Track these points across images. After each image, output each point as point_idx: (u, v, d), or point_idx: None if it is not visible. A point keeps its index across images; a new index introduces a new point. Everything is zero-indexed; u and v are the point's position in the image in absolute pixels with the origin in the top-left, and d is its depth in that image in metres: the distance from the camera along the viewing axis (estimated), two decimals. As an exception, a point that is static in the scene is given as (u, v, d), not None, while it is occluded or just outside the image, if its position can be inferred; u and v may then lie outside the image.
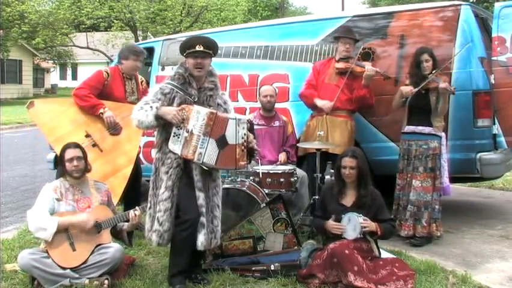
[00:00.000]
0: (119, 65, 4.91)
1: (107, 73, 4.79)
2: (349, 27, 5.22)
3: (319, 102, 4.96)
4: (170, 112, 3.46)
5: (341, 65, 4.97)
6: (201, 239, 3.49)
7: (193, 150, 3.41)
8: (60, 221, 3.59)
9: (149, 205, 3.65)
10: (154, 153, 3.73)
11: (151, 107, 3.48)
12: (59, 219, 3.60)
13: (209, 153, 3.44)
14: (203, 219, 3.51)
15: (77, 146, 3.89)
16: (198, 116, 3.42)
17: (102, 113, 4.63)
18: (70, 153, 3.80)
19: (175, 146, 3.49)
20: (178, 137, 3.48)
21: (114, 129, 4.72)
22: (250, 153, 3.68)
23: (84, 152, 3.89)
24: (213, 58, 3.74)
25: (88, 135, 4.59)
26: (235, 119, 3.48)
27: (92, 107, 4.66)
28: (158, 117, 3.48)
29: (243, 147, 3.51)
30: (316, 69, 5.14)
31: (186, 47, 3.64)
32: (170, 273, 3.62)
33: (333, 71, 5.02)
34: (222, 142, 3.45)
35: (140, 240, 4.47)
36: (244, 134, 3.51)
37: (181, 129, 3.46)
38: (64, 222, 3.61)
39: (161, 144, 3.62)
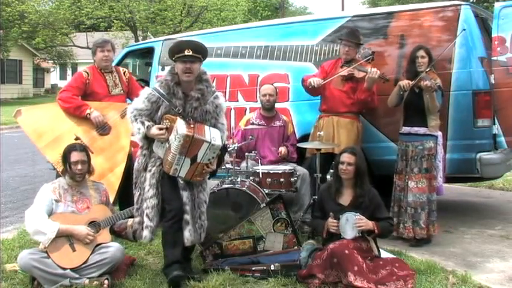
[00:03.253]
0: (94, 63, 4.99)
1: (87, 72, 4.87)
2: (353, 30, 5.10)
3: (310, 79, 4.91)
4: (159, 134, 3.60)
5: (344, 72, 4.90)
6: (186, 235, 3.61)
7: (169, 166, 3.58)
8: (61, 228, 3.60)
9: (136, 206, 3.77)
10: (139, 151, 3.84)
11: (138, 128, 3.62)
12: (59, 226, 3.60)
13: (184, 169, 3.59)
14: (187, 216, 3.62)
15: (83, 149, 3.89)
16: (175, 135, 3.52)
17: (89, 114, 4.67)
18: (75, 156, 3.78)
19: (158, 149, 3.68)
20: (162, 143, 3.66)
21: (103, 129, 4.73)
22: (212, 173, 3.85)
23: (88, 155, 3.89)
24: (209, 60, 3.75)
25: (77, 139, 4.58)
26: (209, 143, 3.56)
27: (77, 108, 4.69)
28: (147, 137, 3.66)
29: (204, 167, 3.65)
30: (324, 69, 5.10)
31: (175, 52, 3.68)
32: (165, 264, 3.68)
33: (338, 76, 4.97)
34: (194, 160, 3.59)
35: (140, 240, 4.46)
36: (212, 158, 3.65)
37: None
38: (63, 230, 3.61)
39: (148, 143, 3.74)
